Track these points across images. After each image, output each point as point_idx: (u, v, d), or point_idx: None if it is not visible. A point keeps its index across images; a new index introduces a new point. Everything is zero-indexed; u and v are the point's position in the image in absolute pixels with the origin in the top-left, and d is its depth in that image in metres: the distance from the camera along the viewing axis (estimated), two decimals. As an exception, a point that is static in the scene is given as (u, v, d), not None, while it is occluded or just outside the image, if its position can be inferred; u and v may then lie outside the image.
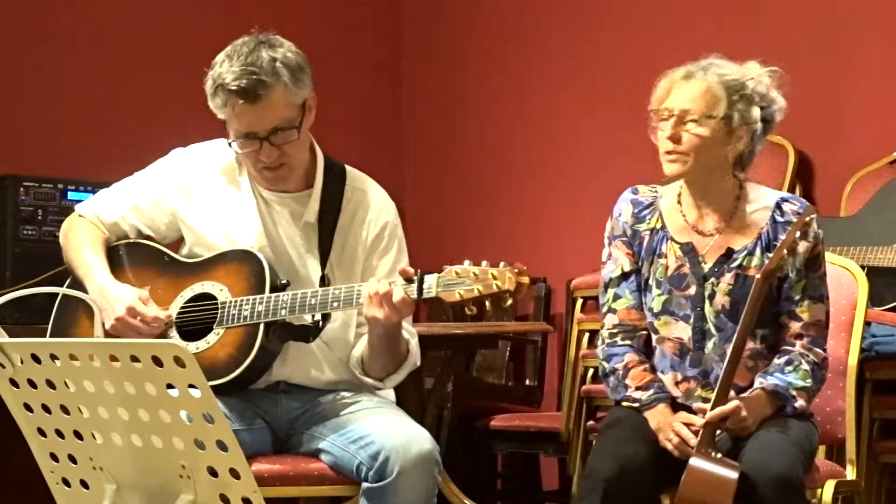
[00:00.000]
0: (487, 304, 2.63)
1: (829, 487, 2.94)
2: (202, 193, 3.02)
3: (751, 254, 2.89)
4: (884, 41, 4.76)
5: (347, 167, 3.07)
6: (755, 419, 2.81)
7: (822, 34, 4.89)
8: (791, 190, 4.80)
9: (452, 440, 4.56)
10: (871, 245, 4.08)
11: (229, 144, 2.91)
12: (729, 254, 2.90)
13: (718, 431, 2.81)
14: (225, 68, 2.83)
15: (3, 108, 4.82)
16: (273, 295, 2.83)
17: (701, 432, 2.77)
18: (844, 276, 3.21)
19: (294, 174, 2.94)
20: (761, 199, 2.95)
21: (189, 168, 3.05)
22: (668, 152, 2.87)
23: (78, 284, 2.99)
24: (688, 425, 2.82)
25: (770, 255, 2.84)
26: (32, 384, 2.24)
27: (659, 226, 2.97)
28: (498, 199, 5.84)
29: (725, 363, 2.79)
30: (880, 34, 4.77)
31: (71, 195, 4.11)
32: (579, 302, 4.59)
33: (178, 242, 3.10)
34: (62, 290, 2.92)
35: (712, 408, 2.77)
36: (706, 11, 5.21)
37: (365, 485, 2.77)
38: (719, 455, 2.74)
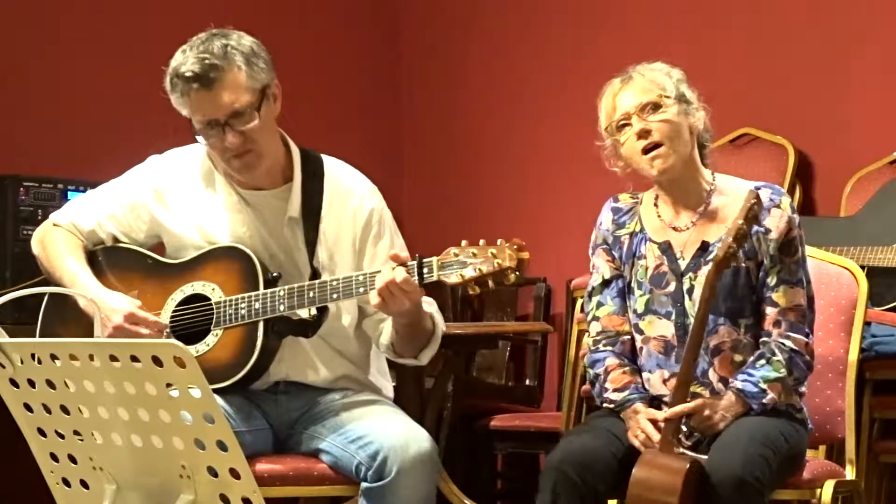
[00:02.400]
0: (490, 282, 2.60)
1: (828, 487, 2.93)
2: (180, 197, 3.00)
3: None
4: (884, 41, 4.77)
5: (324, 157, 3.04)
6: (723, 418, 2.81)
7: (823, 35, 4.90)
8: (791, 190, 4.81)
9: (452, 440, 4.56)
10: (871, 245, 4.09)
11: (195, 136, 2.90)
12: (704, 247, 2.91)
13: (684, 429, 2.81)
14: (179, 60, 2.88)
15: (3, 108, 4.82)
16: (269, 291, 2.82)
17: (663, 428, 2.78)
18: (844, 276, 3.21)
19: (262, 161, 2.90)
20: (735, 190, 2.96)
21: (166, 173, 3.03)
22: (646, 149, 2.88)
23: (60, 294, 2.97)
24: (654, 422, 2.82)
25: (745, 244, 2.85)
26: (32, 384, 2.24)
27: (638, 229, 2.99)
28: (498, 198, 5.84)
29: (683, 359, 2.79)
30: (880, 34, 4.78)
31: (71, 195, 4.11)
32: (579, 302, 4.58)
33: (156, 249, 3.06)
34: (62, 291, 2.91)
35: (672, 403, 2.79)
36: (705, 12, 5.21)
37: (364, 485, 2.77)
38: (681, 450, 2.74)
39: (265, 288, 2.83)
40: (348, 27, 6.02)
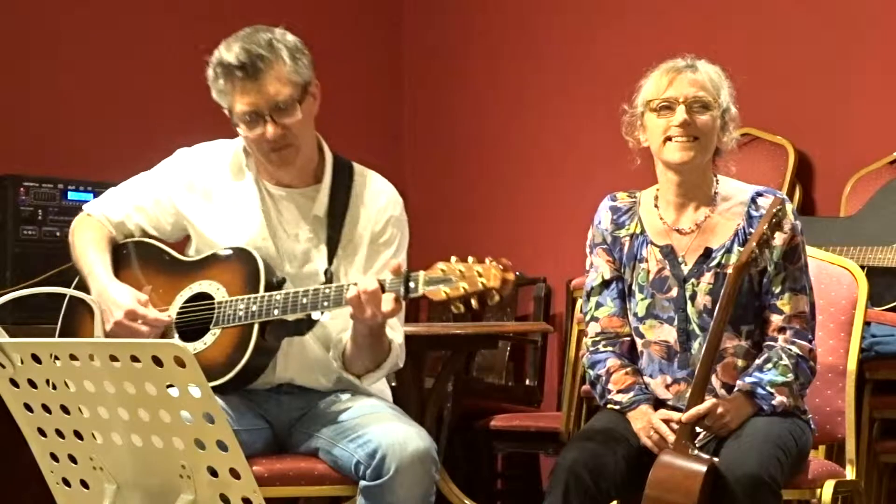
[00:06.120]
0: (474, 301, 2.62)
1: (828, 487, 2.93)
2: (207, 191, 3.03)
3: (728, 251, 2.90)
4: (884, 41, 4.77)
5: (354, 164, 3.09)
6: (735, 418, 2.82)
7: (823, 35, 4.90)
8: (791, 190, 4.81)
9: (452, 440, 4.56)
10: (871, 245, 4.09)
11: (234, 126, 2.93)
12: (707, 253, 2.91)
13: (700, 431, 2.82)
14: (223, 50, 2.90)
15: (3, 108, 4.82)
16: (267, 294, 2.83)
17: (678, 430, 2.78)
18: (844, 276, 3.21)
19: (299, 156, 2.94)
20: (737, 195, 2.96)
21: (194, 167, 3.06)
22: (679, 137, 2.88)
23: (84, 283, 3.00)
24: (667, 422, 2.82)
25: (755, 249, 2.85)
26: (32, 384, 2.25)
27: (638, 230, 2.98)
28: (498, 198, 5.84)
29: (700, 361, 2.80)
30: (880, 34, 4.78)
31: (71, 195, 4.12)
32: (579, 302, 4.58)
33: (185, 241, 3.09)
34: (62, 291, 2.91)
35: (688, 406, 2.78)
36: (705, 12, 5.21)
37: (363, 483, 2.77)
38: (695, 452, 2.74)
39: (266, 291, 2.84)
40: (350, 28, 6.02)
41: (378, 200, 3.03)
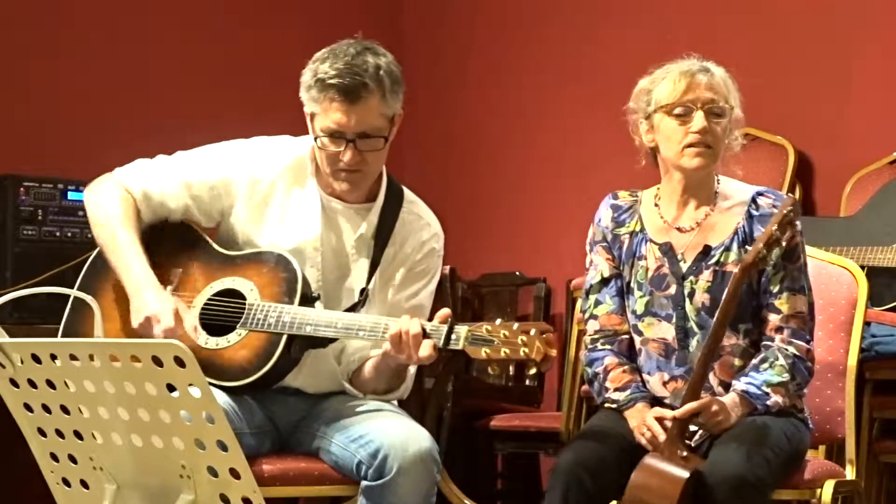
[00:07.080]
0: (511, 367, 2.61)
1: (828, 487, 2.94)
2: (267, 189, 2.98)
3: (727, 250, 2.90)
4: (884, 41, 4.77)
5: (405, 189, 3.08)
6: (729, 417, 2.81)
7: (822, 34, 4.90)
8: (791, 190, 4.81)
9: (452, 440, 4.56)
10: (871, 245, 4.09)
11: (315, 139, 2.90)
12: (706, 251, 2.91)
13: (695, 431, 2.82)
14: (328, 65, 2.85)
15: (3, 108, 4.82)
16: (301, 309, 2.81)
17: (670, 427, 2.78)
18: (844, 276, 3.21)
19: (365, 182, 2.95)
20: (737, 194, 2.96)
21: (256, 161, 3.00)
22: (695, 144, 2.88)
23: (104, 259, 2.94)
24: (661, 420, 2.82)
25: (748, 248, 2.84)
26: (32, 384, 2.25)
27: (638, 228, 2.99)
28: (498, 198, 5.84)
29: (699, 358, 2.80)
30: (880, 34, 4.78)
31: (71, 195, 4.11)
32: (579, 302, 4.58)
33: (213, 231, 3.04)
34: (63, 291, 2.91)
35: (682, 403, 2.79)
36: (706, 11, 5.21)
37: (364, 483, 2.77)
38: (684, 453, 2.75)
39: (300, 304, 2.83)
40: (349, 29, 6.01)
41: (422, 232, 3.03)
